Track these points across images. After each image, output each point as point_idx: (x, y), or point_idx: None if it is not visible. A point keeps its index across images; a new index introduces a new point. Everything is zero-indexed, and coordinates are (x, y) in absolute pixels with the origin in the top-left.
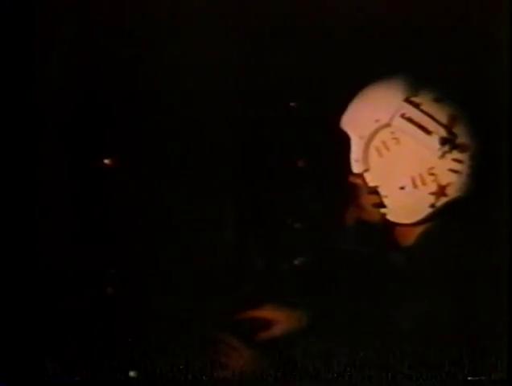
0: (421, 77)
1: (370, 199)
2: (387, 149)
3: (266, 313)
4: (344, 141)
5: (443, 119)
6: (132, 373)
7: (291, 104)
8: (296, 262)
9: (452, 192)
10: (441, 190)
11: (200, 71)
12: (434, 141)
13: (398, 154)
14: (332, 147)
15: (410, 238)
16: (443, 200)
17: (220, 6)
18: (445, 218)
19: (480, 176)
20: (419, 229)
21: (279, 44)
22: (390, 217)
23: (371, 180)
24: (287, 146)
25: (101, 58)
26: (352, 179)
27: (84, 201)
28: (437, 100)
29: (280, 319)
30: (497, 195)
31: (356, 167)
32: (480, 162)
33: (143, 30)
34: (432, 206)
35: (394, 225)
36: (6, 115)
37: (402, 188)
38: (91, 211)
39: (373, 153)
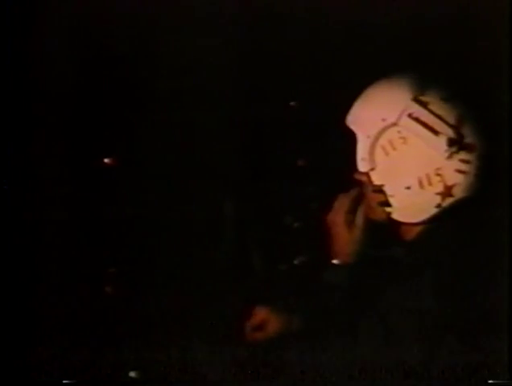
0: (428, 76)
1: (376, 198)
2: (394, 148)
3: (260, 313)
4: (345, 139)
5: (451, 119)
6: (132, 373)
7: (291, 103)
8: (296, 262)
9: (459, 192)
10: (447, 191)
11: (200, 70)
12: (441, 142)
13: (404, 154)
14: (332, 146)
15: (411, 234)
16: (449, 200)
17: (221, 5)
18: (449, 216)
19: (486, 176)
20: (421, 225)
21: (279, 43)
22: (396, 216)
23: (377, 179)
24: (287, 145)
25: (101, 57)
26: (357, 177)
27: (84, 200)
28: (445, 100)
29: (273, 320)
30: (504, 195)
31: (362, 166)
32: (487, 162)
33: (143, 30)
34: (438, 206)
35: (399, 223)
36: (6, 115)
37: (408, 188)
38: (90, 211)
39: (379, 152)
